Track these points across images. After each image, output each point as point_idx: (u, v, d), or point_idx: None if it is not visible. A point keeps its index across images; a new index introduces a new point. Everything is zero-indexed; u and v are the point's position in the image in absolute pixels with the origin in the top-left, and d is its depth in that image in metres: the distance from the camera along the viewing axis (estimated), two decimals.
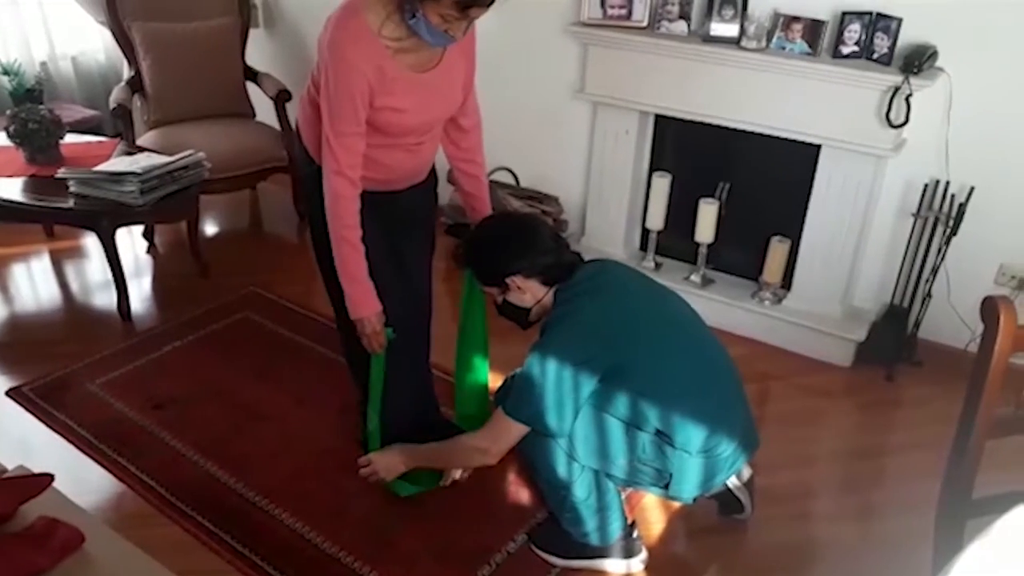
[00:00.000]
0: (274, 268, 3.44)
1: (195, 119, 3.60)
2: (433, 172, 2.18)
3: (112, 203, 2.82)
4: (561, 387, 1.79)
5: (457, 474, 2.17)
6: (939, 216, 2.62)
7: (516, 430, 1.86)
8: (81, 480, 2.21)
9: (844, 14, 2.54)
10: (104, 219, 2.86)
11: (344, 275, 1.95)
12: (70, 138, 3.21)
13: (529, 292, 1.93)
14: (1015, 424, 1.50)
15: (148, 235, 3.57)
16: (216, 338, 2.94)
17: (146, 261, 3.51)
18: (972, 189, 2.55)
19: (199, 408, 2.55)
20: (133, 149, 3.22)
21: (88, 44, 4.10)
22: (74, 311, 3.19)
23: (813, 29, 2.59)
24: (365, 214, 1.94)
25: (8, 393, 2.59)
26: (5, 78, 3.64)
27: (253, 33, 3.87)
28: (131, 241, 3.58)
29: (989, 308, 1.38)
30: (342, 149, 1.82)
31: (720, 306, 3.03)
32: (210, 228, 3.85)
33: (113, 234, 2.90)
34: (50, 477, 1.47)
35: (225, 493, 2.21)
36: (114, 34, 3.61)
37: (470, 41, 1.95)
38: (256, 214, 4.05)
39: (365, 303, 1.97)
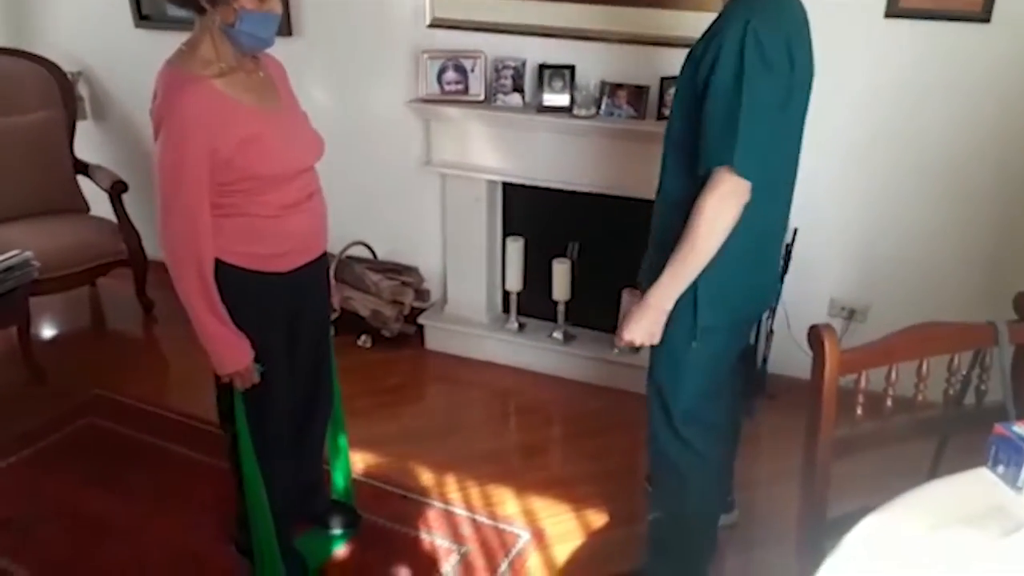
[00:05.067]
0: (120, 368, 3.24)
1: (22, 217, 3.38)
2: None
3: None
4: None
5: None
6: None
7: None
8: None
9: (663, 79, 2.73)
10: None
11: (206, 337, 1.78)
12: None
13: None
14: (855, 443, 1.61)
15: None
16: (57, 450, 2.71)
17: None
18: (796, 230, 2.76)
19: (40, 529, 2.34)
20: None
21: None
22: None
23: (637, 94, 2.77)
24: (263, 300, 1.86)
25: None
26: None
27: (81, 125, 3.71)
28: None
29: (814, 336, 1.49)
30: (191, 211, 1.70)
31: (583, 360, 3.11)
32: (47, 331, 3.59)
33: None
34: None
35: None
36: None
37: (288, 83, 1.95)
38: (98, 312, 3.81)
39: (238, 355, 1.82)
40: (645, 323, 1.74)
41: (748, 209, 1.61)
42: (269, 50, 1.86)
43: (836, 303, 2.89)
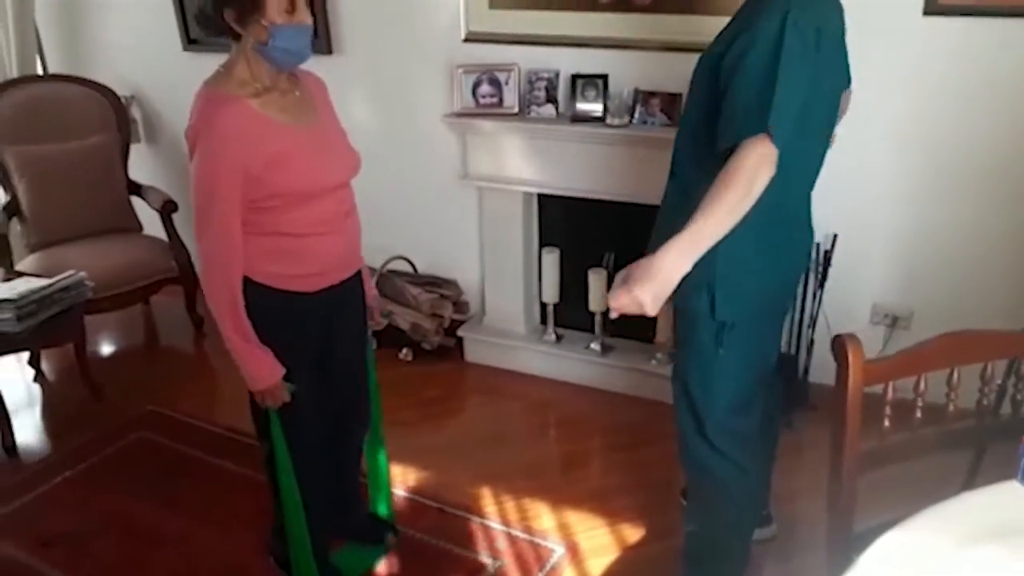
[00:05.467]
0: (172, 383, 3.34)
1: (78, 238, 3.52)
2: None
3: None
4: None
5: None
6: (809, 265, 2.76)
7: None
8: None
9: None
10: None
11: (234, 353, 1.81)
12: None
13: None
14: (883, 455, 1.57)
15: (34, 362, 3.43)
16: (110, 463, 2.81)
17: (34, 390, 3.36)
18: (835, 236, 2.70)
19: (93, 541, 2.42)
20: (11, 275, 3.11)
21: None
22: None
23: (670, 102, 2.75)
24: (292, 320, 1.88)
25: None
26: None
27: (135, 148, 3.85)
28: (20, 369, 3.43)
29: (838, 347, 1.46)
30: (224, 228, 1.74)
31: (621, 371, 3.10)
32: (104, 348, 3.73)
33: None
34: None
35: None
36: None
37: (328, 100, 1.97)
38: (151, 329, 3.94)
39: (266, 372, 1.85)
40: (654, 284, 1.47)
41: (765, 190, 1.53)
42: (311, 68, 1.89)
43: (879, 310, 2.82)
